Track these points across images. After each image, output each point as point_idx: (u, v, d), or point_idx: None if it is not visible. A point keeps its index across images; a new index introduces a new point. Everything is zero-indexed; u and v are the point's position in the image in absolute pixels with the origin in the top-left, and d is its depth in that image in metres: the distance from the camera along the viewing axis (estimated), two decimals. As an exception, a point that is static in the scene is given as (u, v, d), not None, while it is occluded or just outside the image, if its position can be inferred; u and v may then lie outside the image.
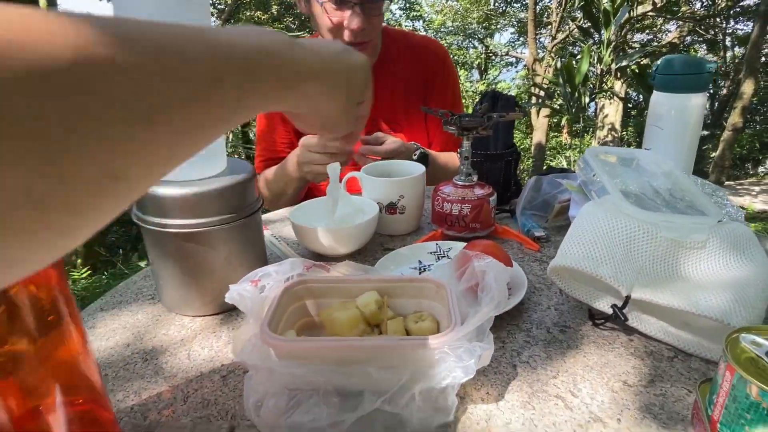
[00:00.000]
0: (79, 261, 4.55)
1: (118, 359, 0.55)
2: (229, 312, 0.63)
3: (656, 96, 0.78)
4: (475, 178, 0.79)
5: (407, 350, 0.44)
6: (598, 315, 0.57)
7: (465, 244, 0.67)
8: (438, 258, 0.72)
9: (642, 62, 6.82)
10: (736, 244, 0.55)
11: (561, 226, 0.83)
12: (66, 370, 0.36)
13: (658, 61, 0.78)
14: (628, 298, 0.53)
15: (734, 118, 4.00)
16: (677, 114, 0.76)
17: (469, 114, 0.76)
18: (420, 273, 0.70)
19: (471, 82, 11.93)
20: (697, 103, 0.75)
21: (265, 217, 0.96)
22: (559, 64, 6.38)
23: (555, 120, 8.36)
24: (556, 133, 9.74)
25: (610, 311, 0.55)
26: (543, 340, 0.55)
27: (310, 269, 0.59)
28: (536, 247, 0.76)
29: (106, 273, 3.58)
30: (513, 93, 10.10)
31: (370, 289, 0.54)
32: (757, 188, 7.50)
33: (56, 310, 0.35)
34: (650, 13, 6.78)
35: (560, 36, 8.22)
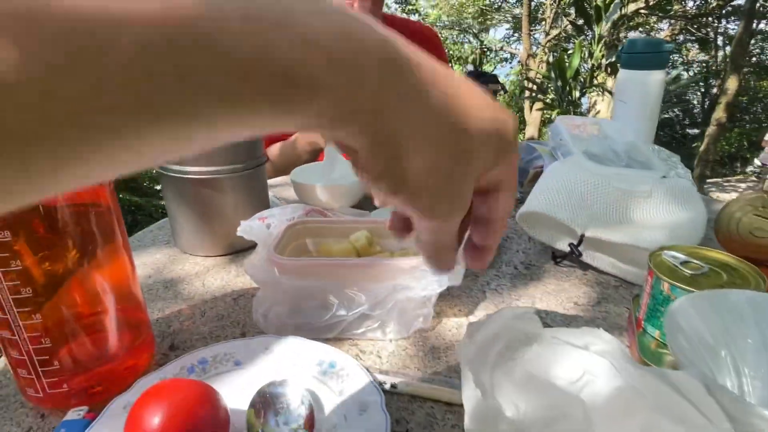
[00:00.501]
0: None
1: (142, 287, 0.62)
2: (236, 253, 0.71)
3: (622, 73, 0.87)
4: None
5: (391, 267, 0.52)
6: (558, 254, 0.66)
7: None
8: (423, 213, 0.81)
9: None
10: (676, 195, 0.64)
11: (535, 191, 0.91)
12: (120, 287, 0.44)
13: (625, 42, 0.86)
14: (582, 236, 0.62)
15: (719, 113, 4.12)
16: (639, 89, 0.85)
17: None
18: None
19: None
20: (656, 78, 0.84)
21: (269, 182, 1.04)
22: (551, 59, 6.48)
23: (548, 115, 8.48)
24: (548, 128, 9.83)
25: (568, 249, 0.64)
26: (510, 274, 0.64)
27: (309, 213, 0.67)
28: (511, 207, 0.85)
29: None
30: (507, 88, 10.19)
31: (362, 229, 0.63)
32: (743, 185, 7.65)
33: (110, 225, 0.43)
34: (643, 11, 6.89)
35: (554, 32, 8.32)
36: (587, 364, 0.36)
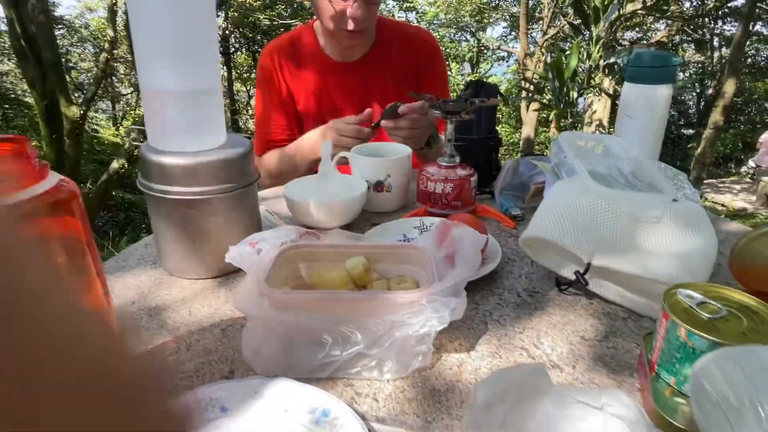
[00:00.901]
0: (66, 244, 4.54)
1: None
2: (226, 276, 0.68)
3: (627, 87, 0.85)
4: (457, 159, 0.84)
5: (390, 302, 0.49)
6: (563, 281, 0.63)
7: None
8: (421, 232, 0.78)
9: (630, 60, 6.90)
10: (687, 220, 0.62)
11: (536, 206, 0.88)
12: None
13: (630, 55, 0.83)
14: (589, 264, 0.59)
15: (716, 116, 4.11)
16: (645, 104, 0.82)
17: (453, 99, 0.82)
18: (404, 245, 0.75)
19: (462, 75, 11.98)
20: (663, 93, 0.81)
21: (260, 194, 1.01)
22: (549, 59, 6.45)
23: (544, 115, 8.46)
24: (544, 128, 9.84)
25: (573, 277, 0.61)
26: (513, 302, 0.61)
27: (302, 236, 0.64)
28: (512, 225, 0.82)
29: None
30: (504, 87, 10.17)
31: (358, 255, 0.60)
32: (738, 187, 7.67)
33: (79, 251, 0.40)
34: (640, 11, 6.87)
35: (551, 32, 8.29)
36: (602, 426, 0.33)
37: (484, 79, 1.00)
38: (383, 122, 0.96)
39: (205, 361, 0.51)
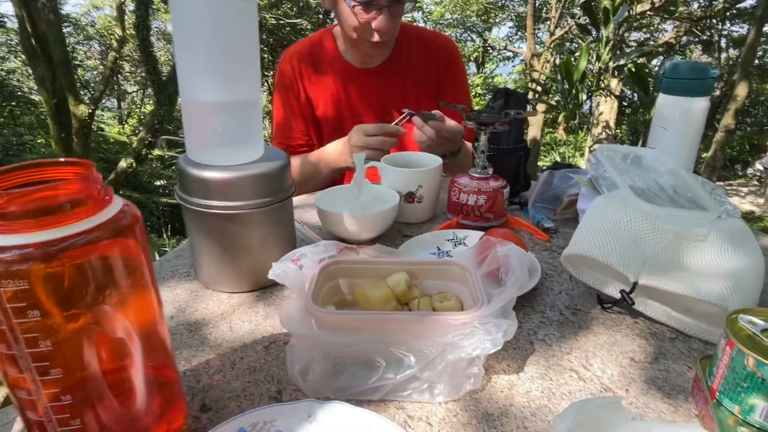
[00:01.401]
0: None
1: (164, 329, 0.59)
2: (262, 290, 0.67)
3: (662, 98, 0.83)
4: (490, 170, 0.83)
5: (441, 324, 0.48)
6: (606, 299, 0.63)
7: (480, 233, 0.72)
8: (455, 245, 0.77)
9: (638, 61, 6.89)
10: (733, 238, 0.61)
11: (568, 219, 0.88)
12: (147, 331, 0.40)
13: (666, 65, 0.82)
14: (635, 284, 0.58)
15: (727, 120, 4.09)
16: (681, 116, 0.81)
17: (487, 110, 0.81)
18: (439, 258, 0.75)
19: (468, 75, 11.95)
20: (700, 106, 0.80)
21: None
22: (557, 61, 6.43)
23: (550, 116, 8.43)
24: (550, 129, 9.82)
25: (617, 296, 0.61)
26: (556, 321, 0.60)
27: (341, 252, 0.63)
28: (546, 238, 0.81)
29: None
30: (510, 87, 10.14)
31: (399, 270, 0.59)
32: (745, 189, 7.63)
33: (139, 273, 0.39)
34: (648, 12, 6.84)
35: (558, 32, 8.26)
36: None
37: (504, 86, 0.99)
38: (414, 118, 0.96)
39: (251, 381, 0.51)
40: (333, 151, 1.08)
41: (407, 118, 0.99)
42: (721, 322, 0.54)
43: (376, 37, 1.06)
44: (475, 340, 0.47)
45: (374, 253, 0.66)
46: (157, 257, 0.76)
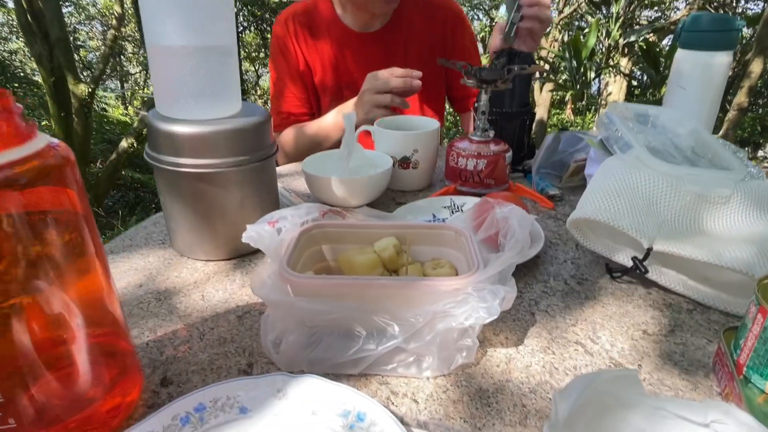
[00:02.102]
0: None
1: (131, 298, 0.54)
2: (241, 258, 0.62)
3: (681, 54, 0.76)
4: (491, 133, 0.77)
5: (431, 290, 0.43)
6: (616, 268, 0.57)
7: (479, 199, 0.66)
8: (452, 212, 0.71)
9: (650, 39, 6.70)
10: (759, 201, 0.55)
11: (575, 187, 0.82)
12: (89, 300, 0.35)
13: (686, 18, 0.75)
14: (649, 250, 0.52)
15: (740, 97, 3.95)
16: (702, 72, 0.74)
17: (489, 67, 0.74)
18: (434, 226, 0.69)
19: (474, 55, 11.71)
20: (722, 61, 0.73)
21: (277, 170, 0.95)
22: (566, 38, 6.27)
23: (557, 96, 8.25)
24: (557, 110, 9.64)
25: (629, 264, 0.55)
26: (560, 290, 0.55)
27: (325, 215, 0.58)
28: (551, 205, 0.75)
29: (105, 235, 3.57)
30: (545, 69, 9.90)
31: (388, 235, 0.53)
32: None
33: (77, 231, 0.34)
34: (660, -12, 6.62)
35: (567, 10, 8.04)
36: (709, 447, 0.27)
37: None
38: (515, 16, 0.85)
39: (220, 353, 0.46)
40: (334, 118, 1.00)
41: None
42: (745, 291, 0.49)
43: None
44: (468, 308, 0.42)
45: (362, 217, 0.60)
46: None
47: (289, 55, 1.14)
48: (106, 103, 9.37)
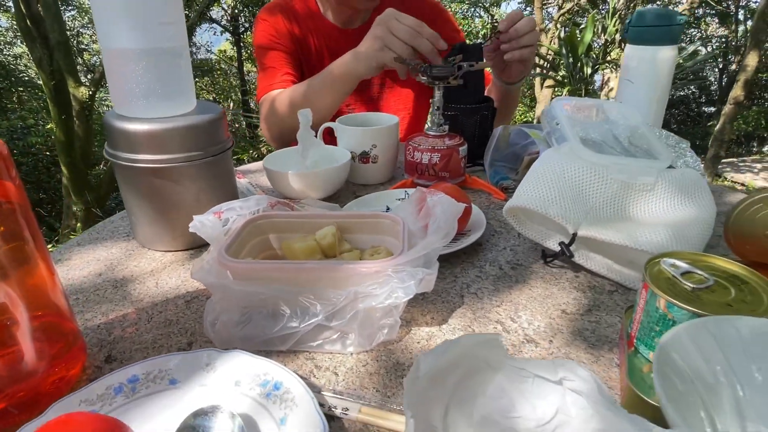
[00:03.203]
0: (78, 225, 4.61)
1: (89, 286, 0.58)
2: (199, 248, 0.66)
3: (629, 49, 0.79)
4: (446, 128, 0.80)
5: (354, 272, 0.46)
6: (549, 253, 0.60)
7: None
8: (405, 204, 0.75)
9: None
10: (683, 188, 0.57)
11: (531, 179, 0.84)
12: (30, 287, 0.39)
13: (632, 14, 0.78)
14: (574, 235, 0.55)
15: (736, 91, 3.95)
16: (647, 66, 0.77)
17: (440, 64, 0.77)
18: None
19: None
20: (666, 55, 0.76)
21: (244, 167, 0.98)
22: (563, 34, 6.27)
23: (558, 93, 8.24)
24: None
25: (558, 249, 0.58)
26: (494, 275, 0.58)
27: (275, 206, 0.61)
28: (503, 196, 0.78)
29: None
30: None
31: (330, 224, 0.57)
32: (759, 165, 7.43)
33: (17, 225, 0.37)
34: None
35: (567, 6, 8.02)
36: (561, 402, 0.30)
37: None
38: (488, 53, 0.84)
39: (164, 333, 0.49)
40: (342, 61, 0.89)
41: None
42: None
43: None
44: (387, 288, 0.45)
45: (311, 208, 0.64)
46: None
47: (278, 45, 1.12)
48: (108, 106, 9.44)
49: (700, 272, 0.40)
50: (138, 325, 0.51)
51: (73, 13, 9.98)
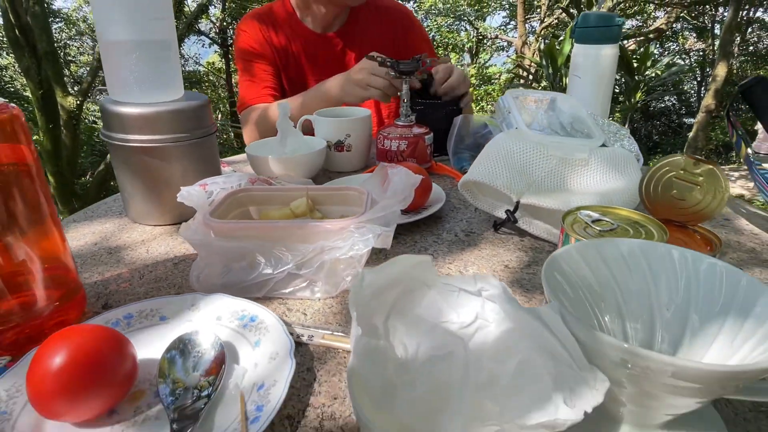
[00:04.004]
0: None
1: (86, 253, 0.64)
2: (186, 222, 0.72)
3: (576, 48, 0.88)
4: (413, 119, 0.88)
5: (320, 229, 0.53)
6: (498, 221, 0.68)
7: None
8: (375, 186, 0.82)
9: (628, 47, 6.91)
10: (613, 163, 0.66)
11: (492, 166, 0.92)
12: (45, 250, 0.46)
13: (579, 17, 0.87)
14: (518, 203, 0.63)
15: (707, 100, 4.12)
16: (592, 63, 0.86)
17: (407, 61, 0.86)
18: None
19: (462, 65, 11.94)
20: (608, 53, 0.85)
21: (229, 158, 1.05)
22: (543, 46, 6.45)
23: (541, 103, 8.41)
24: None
25: (505, 217, 0.66)
26: (449, 240, 0.65)
27: (255, 183, 0.68)
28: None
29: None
30: (504, 77, 10.12)
31: (303, 196, 0.64)
32: (736, 174, 7.66)
33: (32, 184, 0.44)
34: (638, -2, 6.85)
35: (549, 20, 8.27)
36: (480, 309, 0.38)
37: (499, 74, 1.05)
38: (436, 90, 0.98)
39: (154, 287, 0.56)
40: (332, 83, 1.03)
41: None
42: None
43: None
44: (350, 242, 0.52)
45: (286, 183, 0.71)
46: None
47: (259, 57, 1.20)
48: (96, 116, 9.43)
49: (607, 219, 0.48)
50: (131, 281, 0.57)
51: (60, 24, 10.01)
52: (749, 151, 0.68)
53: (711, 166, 0.53)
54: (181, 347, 0.41)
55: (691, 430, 0.34)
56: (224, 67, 9.76)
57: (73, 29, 10.80)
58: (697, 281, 0.35)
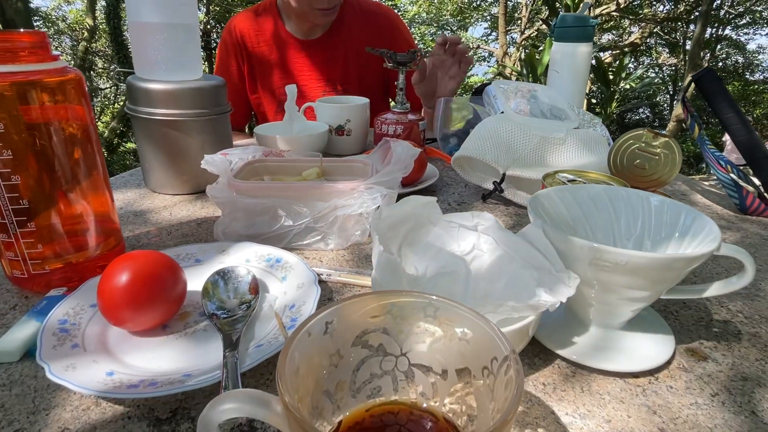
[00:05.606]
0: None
1: (113, 215, 0.70)
2: (202, 192, 0.79)
3: (555, 46, 0.98)
4: (408, 106, 0.96)
5: (333, 189, 0.60)
6: (486, 192, 0.76)
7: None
8: (374, 165, 0.90)
9: (605, 59, 7.17)
10: (586, 142, 0.75)
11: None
12: (97, 203, 0.52)
13: (557, 18, 0.97)
14: (504, 175, 0.72)
15: (678, 110, 4.33)
16: (569, 60, 0.96)
17: (402, 53, 0.94)
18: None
19: (443, 74, 12.13)
20: (583, 51, 0.95)
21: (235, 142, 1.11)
22: (523, 56, 6.65)
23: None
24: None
25: (493, 187, 0.74)
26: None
27: (268, 155, 0.75)
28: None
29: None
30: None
31: (314, 167, 0.71)
32: (706, 183, 7.99)
33: (89, 142, 0.50)
34: (614, 13, 7.13)
35: (529, 32, 8.52)
36: (476, 241, 0.46)
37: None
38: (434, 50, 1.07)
39: (182, 241, 0.62)
40: None
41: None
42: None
43: (325, 4, 1.15)
44: (360, 200, 0.60)
45: (296, 156, 0.78)
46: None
47: (234, 59, 1.27)
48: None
49: (580, 180, 0.57)
50: (160, 236, 0.63)
51: (39, 24, 9.86)
52: (702, 131, 0.78)
53: (667, 139, 0.62)
54: (222, 275, 0.48)
55: (645, 332, 0.42)
56: (207, 70, 9.74)
57: (52, 28, 10.64)
58: (649, 215, 0.44)
